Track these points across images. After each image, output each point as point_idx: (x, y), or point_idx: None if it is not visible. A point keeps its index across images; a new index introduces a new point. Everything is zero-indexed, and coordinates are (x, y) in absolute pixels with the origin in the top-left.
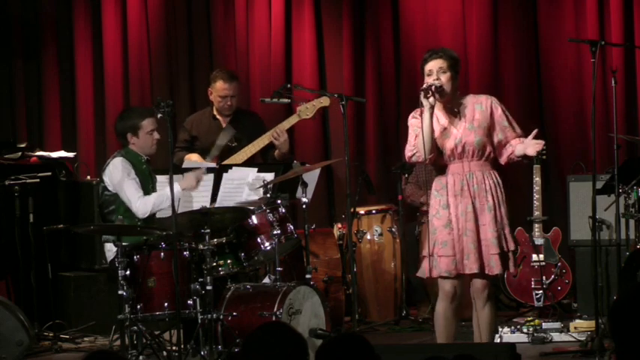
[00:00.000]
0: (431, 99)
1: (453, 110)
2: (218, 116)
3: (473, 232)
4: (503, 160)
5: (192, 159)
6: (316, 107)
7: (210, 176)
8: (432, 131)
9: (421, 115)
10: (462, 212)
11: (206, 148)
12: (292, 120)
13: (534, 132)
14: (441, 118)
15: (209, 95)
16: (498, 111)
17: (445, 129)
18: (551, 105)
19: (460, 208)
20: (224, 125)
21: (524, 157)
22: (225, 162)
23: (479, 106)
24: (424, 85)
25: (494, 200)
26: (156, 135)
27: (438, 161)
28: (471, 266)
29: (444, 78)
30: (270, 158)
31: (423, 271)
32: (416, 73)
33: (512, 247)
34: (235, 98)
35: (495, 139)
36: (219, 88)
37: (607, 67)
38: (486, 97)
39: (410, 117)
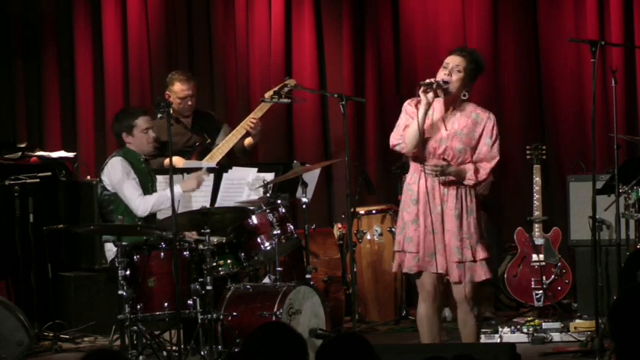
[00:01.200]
0: (430, 95)
1: (452, 112)
2: (181, 119)
3: (441, 233)
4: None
5: (175, 162)
6: (284, 90)
7: (211, 176)
8: (423, 127)
9: (417, 104)
10: (432, 210)
11: (179, 151)
12: (264, 107)
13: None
14: (436, 114)
15: (167, 99)
16: (489, 127)
17: (435, 126)
18: (551, 105)
19: (430, 206)
20: (189, 126)
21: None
22: (205, 159)
23: (476, 115)
24: (427, 80)
25: (462, 208)
26: (151, 133)
27: (417, 154)
28: (434, 265)
29: (455, 77)
30: (238, 149)
31: (394, 265)
32: (416, 73)
33: (482, 255)
34: (194, 98)
35: (474, 154)
36: (177, 90)
37: (607, 67)
38: (486, 112)
39: (406, 103)
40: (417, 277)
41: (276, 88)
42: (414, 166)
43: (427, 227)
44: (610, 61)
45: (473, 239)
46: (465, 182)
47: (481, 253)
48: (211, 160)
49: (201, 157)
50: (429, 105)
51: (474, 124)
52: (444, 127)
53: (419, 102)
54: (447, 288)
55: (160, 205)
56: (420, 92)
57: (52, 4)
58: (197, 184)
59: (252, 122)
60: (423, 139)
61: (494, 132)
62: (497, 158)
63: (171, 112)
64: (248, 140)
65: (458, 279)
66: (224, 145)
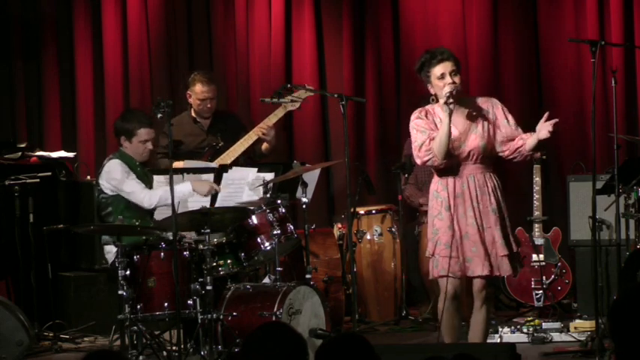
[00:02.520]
0: (452, 104)
1: (461, 113)
2: (198, 119)
3: (475, 235)
4: (508, 153)
5: (178, 165)
6: (302, 98)
7: (211, 176)
8: (450, 136)
9: (426, 115)
10: (461, 214)
11: (192, 152)
12: (279, 113)
13: (546, 114)
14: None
15: (187, 98)
16: (499, 111)
17: (454, 134)
18: (551, 105)
19: (460, 210)
20: (206, 128)
21: (538, 146)
22: (216, 161)
23: (482, 109)
24: (448, 90)
25: (497, 202)
26: (149, 145)
27: (447, 164)
28: (474, 269)
29: (457, 79)
30: (257, 153)
31: (436, 272)
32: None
33: (515, 248)
34: (215, 100)
35: (498, 138)
36: (198, 91)
37: (607, 67)
38: (487, 99)
39: (414, 117)
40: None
41: (293, 96)
42: (437, 176)
43: (461, 232)
44: (610, 61)
45: (509, 231)
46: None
47: (515, 246)
48: (222, 162)
49: (212, 160)
50: (451, 113)
51: (481, 116)
52: (459, 131)
53: (427, 112)
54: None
55: (166, 199)
56: (442, 103)
57: (52, 4)
58: (208, 191)
59: (263, 129)
60: (448, 145)
61: (506, 112)
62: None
63: (192, 112)
64: (265, 145)
65: (508, 272)
66: (235, 148)
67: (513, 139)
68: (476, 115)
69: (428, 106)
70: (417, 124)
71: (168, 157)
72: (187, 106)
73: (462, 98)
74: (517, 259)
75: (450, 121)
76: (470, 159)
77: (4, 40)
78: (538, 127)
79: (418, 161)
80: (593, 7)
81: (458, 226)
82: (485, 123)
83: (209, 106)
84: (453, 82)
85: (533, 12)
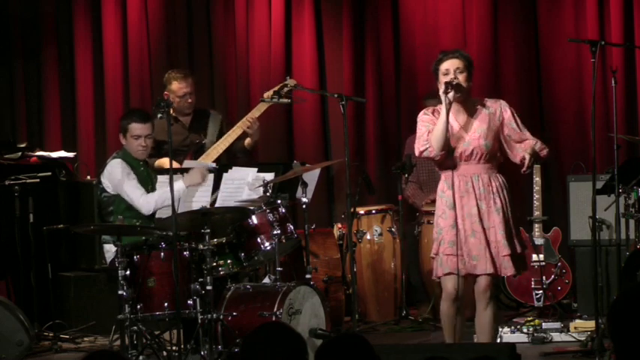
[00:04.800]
0: (450, 94)
1: (466, 112)
2: (180, 117)
3: (480, 234)
4: (517, 158)
5: (164, 163)
6: (284, 90)
7: (211, 176)
8: (447, 128)
9: (433, 112)
10: (467, 214)
11: (176, 150)
12: (262, 107)
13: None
14: (451, 119)
15: (166, 98)
16: (507, 113)
17: (456, 130)
18: (551, 105)
19: (466, 209)
20: (187, 125)
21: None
22: (200, 159)
23: (488, 108)
24: (446, 79)
25: (501, 202)
26: (141, 141)
27: (444, 161)
28: (482, 267)
29: (462, 77)
30: (238, 150)
31: (440, 270)
32: (416, 73)
33: (519, 249)
34: (194, 95)
35: (505, 141)
36: (175, 89)
37: (607, 67)
38: (495, 101)
39: (421, 113)
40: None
41: (276, 88)
42: (444, 175)
43: (467, 231)
44: (610, 61)
45: (514, 231)
46: (542, 154)
47: (519, 247)
48: (207, 158)
49: (196, 157)
50: (450, 104)
51: (489, 117)
52: (463, 129)
53: (434, 110)
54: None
55: (163, 202)
56: (441, 93)
57: (52, 4)
58: (201, 177)
59: (248, 122)
60: (445, 137)
61: (514, 115)
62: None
63: (171, 111)
64: (247, 140)
65: (511, 272)
66: (220, 143)
67: (521, 142)
68: (482, 114)
69: (436, 107)
70: (423, 119)
71: (160, 156)
72: None
73: (471, 99)
74: (521, 260)
75: (448, 112)
76: (474, 158)
77: (4, 40)
78: (524, 154)
79: (416, 152)
80: (593, 7)
81: (463, 225)
82: (492, 124)
83: (189, 101)
84: (455, 78)
85: (533, 12)
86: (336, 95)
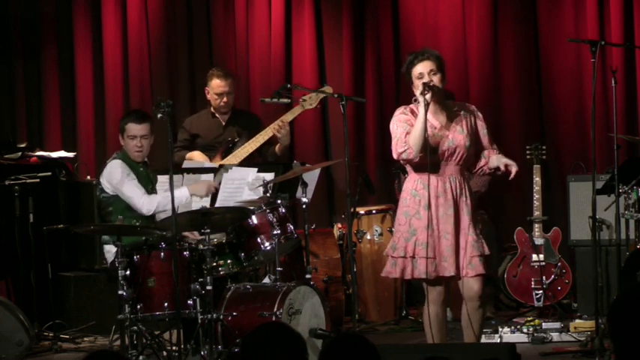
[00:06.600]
0: (428, 95)
1: (444, 112)
2: (217, 114)
3: (452, 236)
4: (473, 169)
5: (195, 157)
6: (319, 96)
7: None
8: (426, 129)
9: (411, 112)
10: (442, 214)
11: (208, 146)
12: (296, 111)
13: (513, 173)
14: (431, 119)
15: (206, 94)
16: (480, 120)
17: (439, 129)
18: (551, 105)
19: (441, 210)
20: (223, 123)
21: (497, 169)
22: (227, 159)
23: (464, 110)
24: (424, 81)
25: (471, 205)
26: (137, 142)
27: (418, 161)
28: (449, 269)
29: (436, 79)
30: (269, 155)
31: (387, 271)
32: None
33: (487, 250)
34: (232, 95)
35: (477, 147)
36: (214, 86)
37: (607, 67)
38: (469, 105)
39: (397, 112)
40: (424, 281)
41: (312, 94)
42: (416, 174)
43: (440, 232)
44: (610, 61)
45: (482, 236)
46: (510, 167)
47: (487, 249)
48: (235, 159)
49: (225, 156)
50: (428, 105)
51: (466, 118)
52: (445, 128)
53: (412, 110)
54: (450, 288)
55: (165, 205)
56: (419, 94)
57: (52, 4)
58: (206, 191)
59: (278, 125)
60: (423, 138)
61: (483, 120)
62: None
63: (210, 108)
64: (278, 146)
65: (478, 273)
66: (249, 145)
67: (485, 150)
68: (460, 116)
69: (412, 105)
70: (399, 119)
71: (188, 150)
72: (207, 103)
73: (445, 101)
74: (490, 262)
75: (425, 113)
76: (454, 158)
77: (4, 40)
78: (499, 157)
79: (394, 155)
80: (593, 7)
81: (437, 226)
82: (469, 127)
83: (225, 100)
84: (430, 81)
85: (533, 12)
86: (336, 95)
